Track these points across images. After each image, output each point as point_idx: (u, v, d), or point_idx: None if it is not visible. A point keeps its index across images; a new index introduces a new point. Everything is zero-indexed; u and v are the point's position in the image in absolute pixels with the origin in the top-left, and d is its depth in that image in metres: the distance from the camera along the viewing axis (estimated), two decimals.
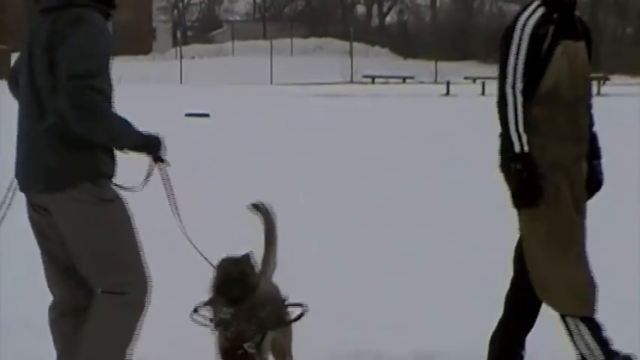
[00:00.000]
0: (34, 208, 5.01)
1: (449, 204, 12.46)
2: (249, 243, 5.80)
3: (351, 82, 50.74)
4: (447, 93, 38.65)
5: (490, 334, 5.64)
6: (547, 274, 5.35)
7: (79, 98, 4.64)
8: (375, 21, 76.68)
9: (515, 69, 5.00)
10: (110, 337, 5.03)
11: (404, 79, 49.13)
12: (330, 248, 9.20)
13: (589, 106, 5.50)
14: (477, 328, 6.20)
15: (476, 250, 9.41)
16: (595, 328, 5.33)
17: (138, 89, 37.47)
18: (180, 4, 80.00)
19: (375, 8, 77.98)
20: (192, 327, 5.57)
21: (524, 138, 5.16)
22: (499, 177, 5.32)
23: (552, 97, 5.30)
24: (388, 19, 77.86)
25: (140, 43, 64.93)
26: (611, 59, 53.79)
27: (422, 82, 48.90)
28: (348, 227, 10.63)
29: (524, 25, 5.34)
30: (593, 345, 5.34)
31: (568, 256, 5.37)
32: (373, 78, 48.81)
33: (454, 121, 25.43)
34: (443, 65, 53.41)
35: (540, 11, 5.40)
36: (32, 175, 4.97)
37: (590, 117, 5.55)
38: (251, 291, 5.06)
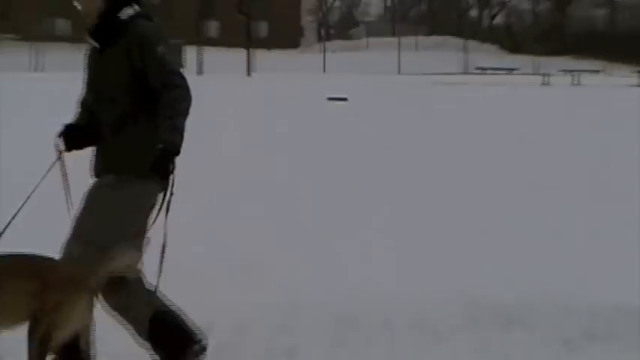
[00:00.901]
0: None
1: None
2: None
3: (466, 73, 49.94)
4: (545, 83, 37.83)
5: None
6: None
7: None
8: (486, 22, 75.95)
9: None
10: None
11: (510, 70, 48.49)
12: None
13: None
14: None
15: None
16: None
17: (288, 77, 36.92)
18: (324, 7, 79.88)
19: (485, 12, 77.38)
20: None
21: None
22: None
23: None
24: (496, 20, 76.96)
25: (290, 39, 64.61)
26: None
27: (524, 74, 47.37)
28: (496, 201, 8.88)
29: None
30: None
31: None
32: (484, 69, 48.53)
33: (552, 106, 24.53)
34: (542, 59, 52.27)
35: None
36: None
37: None
38: None
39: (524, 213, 8.15)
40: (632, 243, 6.69)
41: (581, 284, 5.68)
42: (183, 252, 4.82)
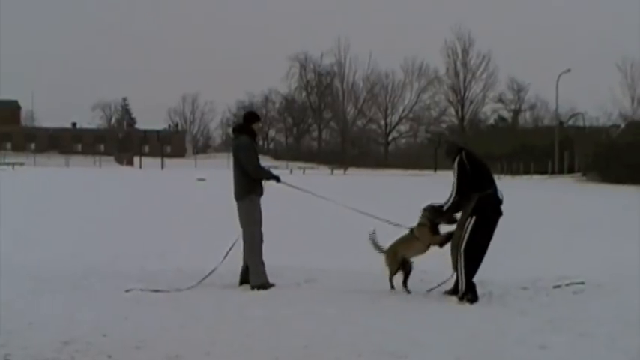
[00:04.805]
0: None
1: None
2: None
3: None
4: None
5: None
6: None
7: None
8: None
9: None
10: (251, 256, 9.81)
11: None
12: None
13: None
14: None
15: None
16: None
17: (180, 170, 75.34)
18: (194, 140, 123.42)
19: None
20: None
21: None
22: None
23: None
24: None
25: (180, 153, 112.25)
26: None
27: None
28: None
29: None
30: None
31: None
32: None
33: None
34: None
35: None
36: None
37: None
38: None
39: None
40: None
41: None
42: None
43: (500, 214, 9.09)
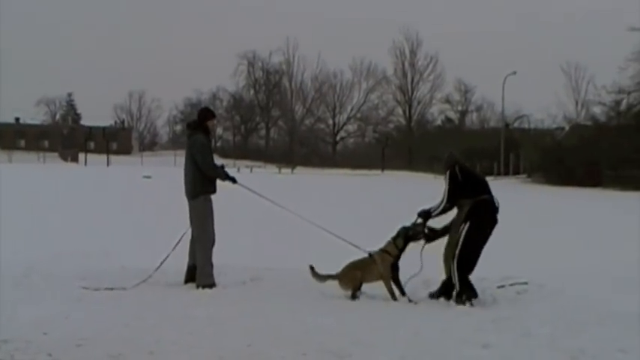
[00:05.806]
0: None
1: None
2: None
3: None
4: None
5: None
6: None
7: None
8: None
9: None
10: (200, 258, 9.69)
11: None
12: None
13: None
14: None
15: None
16: None
17: (127, 167, 75.53)
18: (140, 137, 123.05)
19: None
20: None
21: None
22: None
23: None
24: None
25: (126, 150, 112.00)
26: None
27: None
28: None
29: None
30: None
31: None
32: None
33: None
34: None
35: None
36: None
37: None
38: None
39: None
40: None
41: None
42: None
43: (496, 221, 9.14)
